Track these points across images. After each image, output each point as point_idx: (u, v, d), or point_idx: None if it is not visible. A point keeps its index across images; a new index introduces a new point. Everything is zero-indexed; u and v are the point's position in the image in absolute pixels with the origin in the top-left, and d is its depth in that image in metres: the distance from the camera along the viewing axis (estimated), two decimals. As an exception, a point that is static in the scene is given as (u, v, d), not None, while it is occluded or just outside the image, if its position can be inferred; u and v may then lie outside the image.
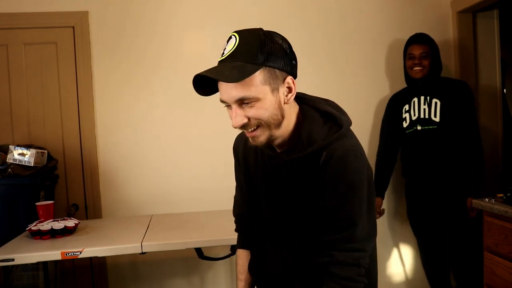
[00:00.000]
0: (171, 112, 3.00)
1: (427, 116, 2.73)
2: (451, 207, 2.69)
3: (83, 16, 2.89)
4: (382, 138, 3.02)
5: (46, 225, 2.21)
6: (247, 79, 1.05)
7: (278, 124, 1.13)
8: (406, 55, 2.83)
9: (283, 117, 1.13)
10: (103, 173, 2.95)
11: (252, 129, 1.12)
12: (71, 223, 2.28)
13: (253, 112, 1.09)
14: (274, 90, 1.09)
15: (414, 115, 2.78)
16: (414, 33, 2.85)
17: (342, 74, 3.14)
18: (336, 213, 1.12)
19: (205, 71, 1.10)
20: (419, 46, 2.76)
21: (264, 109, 1.09)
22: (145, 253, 2.08)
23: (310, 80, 3.00)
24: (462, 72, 3.17)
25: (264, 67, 1.07)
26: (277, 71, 1.09)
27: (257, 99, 1.07)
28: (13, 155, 2.53)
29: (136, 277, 3.01)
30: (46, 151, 2.67)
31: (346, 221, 1.11)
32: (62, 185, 2.92)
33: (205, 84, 1.16)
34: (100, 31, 2.93)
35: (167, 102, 3.00)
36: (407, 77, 2.87)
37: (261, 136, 1.13)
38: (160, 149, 3.00)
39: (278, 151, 1.22)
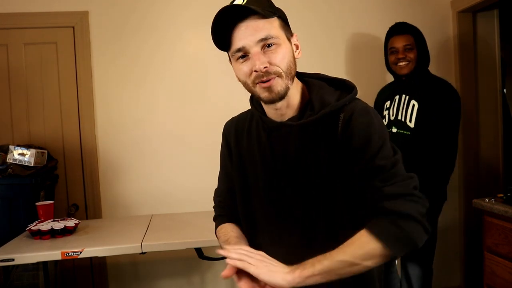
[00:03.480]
0: (171, 112, 3.00)
1: (402, 119, 2.43)
2: None
3: (83, 16, 2.89)
4: None
5: (46, 225, 2.21)
6: (270, 20, 1.09)
7: (292, 78, 1.13)
8: (388, 49, 2.49)
9: (295, 72, 1.15)
10: (103, 173, 2.95)
11: (271, 78, 1.09)
12: (71, 223, 2.28)
13: (274, 57, 1.09)
14: (288, 39, 1.14)
15: (393, 115, 2.51)
16: None
17: (342, 75, 3.13)
18: (374, 161, 1.05)
19: (235, 3, 1.08)
20: (402, 37, 2.41)
21: (284, 55, 1.10)
22: (145, 253, 2.08)
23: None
24: (462, 72, 3.17)
25: (278, 17, 1.12)
26: (286, 25, 1.15)
27: (278, 43, 1.09)
28: (13, 155, 2.53)
29: (136, 277, 3.01)
30: (46, 151, 2.67)
31: (384, 163, 1.05)
32: (62, 185, 2.92)
33: (219, 32, 1.12)
34: (100, 31, 2.92)
35: (167, 102, 3.00)
36: (392, 72, 2.55)
37: (279, 86, 1.10)
38: (160, 149, 3.00)
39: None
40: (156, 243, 2.09)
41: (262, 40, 1.08)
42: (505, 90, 3.33)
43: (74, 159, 2.94)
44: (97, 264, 2.94)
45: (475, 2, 2.96)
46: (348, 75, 3.15)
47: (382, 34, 3.17)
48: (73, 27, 2.90)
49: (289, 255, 1.06)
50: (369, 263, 1.00)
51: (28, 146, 2.59)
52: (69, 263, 2.89)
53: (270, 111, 1.19)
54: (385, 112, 2.57)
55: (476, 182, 3.20)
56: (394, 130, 2.48)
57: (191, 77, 3.01)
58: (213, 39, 1.13)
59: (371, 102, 3.16)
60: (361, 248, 0.99)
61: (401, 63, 2.40)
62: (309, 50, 3.07)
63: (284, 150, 1.16)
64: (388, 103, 2.57)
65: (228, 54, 1.16)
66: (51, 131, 2.92)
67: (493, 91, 3.25)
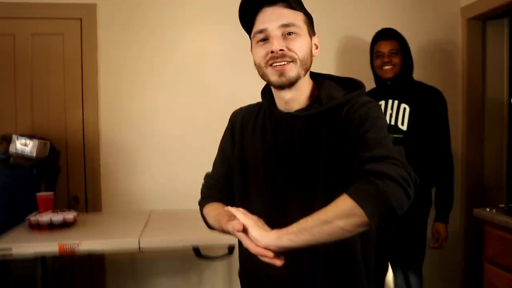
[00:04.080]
0: (174, 110, 3.00)
1: (393, 123, 2.41)
2: (412, 232, 2.37)
3: (91, 8, 2.89)
4: None
5: (45, 217, 2.21)
6: (296, 11, 1.15)
7: (306, 69, 1.18)
8: (373, 53, 2.50)
9: (309, 66, 1.19)
10: (104, 167, 2.95)
11: (285, 62, 1.13)
12: (70, 215, 2.28)
13: (292, 44, 1.13)
14: (310, 35, 1.19)
15: None
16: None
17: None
18: (364, 134, 1.06)
19: None
20: (388, 42, 2.44)
21: (302, 45, 1.15)
22: (142, 250, 2.08)
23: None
24: (469, 79, 3.14)
25: (304, 13, 1.18)
26: (310, 24, 1.21)
27: (299, 32, 1.14)
28: (16, 144, 2.53)
29: (134, 274, 3.01)
30: (48, 142, 2.66)
31: (377, 136, 1.06)
32: (63, 176, 2.91)
33: (246, 13, 1.18)
34: (107, 24, 2.92)
35: (170, 100, 2.99)
36: (375, 76, 2.54)
37: (291, 71, 1.14)
38: (162, 145, 2.99)
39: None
40: (153, 239, 2.09)
41: (284, 25, 1.13)
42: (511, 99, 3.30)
43: (76, 151, 2.94)
44: (96, 260, 2.94)
45: (485, 10, 2.94)
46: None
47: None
48: (81, 19, 2.90)
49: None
50: (342, 223, 0.95)
51: (31, 136, 2.59)
52: (67, 259, 2.88)
53: (279, 102, 1.23)
54: None
55: (479, 192, 3.17)
56: None
57: (195, 73, 3.00)
58: (240, 17, 1.19)
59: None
60: (335, 207, 0.97)
61: (386, 67, 2.42)
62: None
63: (287, 141, 1.19)
64: None
65: (250, 38, 1.21)
66: (55, 122, 2.91)
67: (500, 100, 3.22)
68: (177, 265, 3.03)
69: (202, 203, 1.37)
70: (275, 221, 1.13)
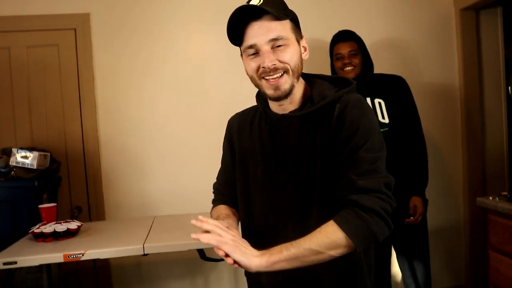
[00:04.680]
0: (173, 113, 3.00)
1: None
2: (400, 210, 2.40)
3: (85, 18, 2.90)
4: None
5: (48, 228, 2.21)
6: (282, 22, 1.16)
7: (298, 77, 1.21)
8: (333, 56, 2.55)
9: (301, 71, 1.22)
10: (105, 175, 2.96)
11: (279, 74, 1.17)
12: (73, 225, 2.28)
13: (283, 55, 1.16)
14: (298, 41, 1.22)
15: None
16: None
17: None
18: (356, 154, 1.11)
19: (251, 3, 1.15)
20: (346, 44, 2.49)
21: (292, 55, 1.18)
22: (147, 254, 2.08)
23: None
24: (466, 70, 3.14)
25: (290, 20, 1.20)
26: (297, 28, 1.23)
27: (288, 44, 1.17)
28: (16, 157, 2.53)
29: (140, 279, 3.01)
30: (48, 154, 2.67)
31: (367, 158, 1.10)
32: (65, 187, 2.92)
33: (234, 28, 1.19)
34: (101, 33, 2.93)
35: (169, 103, 3.00)
36: None
37: (286, 84, 1.18)
38: (162, 151, 3.00)
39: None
40: (158, 244, 2.09)
41: (272, 40, 1.16)
42: (509, 88, 3.31)
43: (77, 161, 2.94)
44: (101, 266, 2.95)
45: (478, -1, 2.94)
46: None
47: (385, 34, 3.13)
48: (75, 29, 2.91)
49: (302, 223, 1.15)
50: (333, 253, 1.06)
51: (30, 149, 2.59)
52: (73, 266, 2.90)
53: (273, 105, 1.27)
54: None
55: (481, 181, 3.18)
56: None
57: (192, 78, 3.01)
58: (228, 34, 1.20)
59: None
60: (327, 238, 1.05)
61: (347, 68, 2.47)
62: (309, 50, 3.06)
63: (284, 141, 1.23)
64: None
65: (240, 49, 1.23)
66: (54, 134, 2.92)
67: (497, 89, 3.23)
68: (183, 268, 3.03)
69: (213, 206, 1.45)
70: (274, 223, 1.19)
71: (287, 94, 1.19)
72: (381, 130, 2.28)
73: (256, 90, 1.32)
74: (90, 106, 2.92)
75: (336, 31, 2.57)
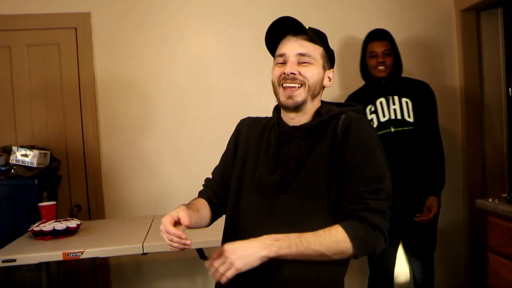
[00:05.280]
0: (174, 113, 3.00)
1: (399, 117, 2.53)
2: (415, 208, 2.50)
3: (85, 17, 2.90)
4: None
5: (48, 226, 2.22)
6: (315, 45, 1.30)
7: (313, 97, 1.31)
8: (367, 53, 2.59)
9: (317, 93, 1.33)
10: (105, 173, 2.96)
11: (296, 85, 1.28)
12: (73, 223, 2.28)
13: (305, 70, 1.28)
14: (324, 68, 1.33)
15: (384, 116, 2.56)
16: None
17: (346, 75, 3.11)
18: (363, 169, 1.20)
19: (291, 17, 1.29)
20: (381, 42, 2.54)
21: (313, 73, 1.29)
22: (146, 253, 2.08)
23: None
24: (466, 71, 3.14)
25: (324, 48, 1.33)
26: (328, 58, 1.35)
27: (313, 62, 1.29)
28: (16, 156, 2.53)
29: (140, 278, 3.01)
30: (48, 152, 2.67)
31: (374, 175, 1.21)
32: (65, 185, 2.92)
33: (272, 36, 1.34)
34: (102, 32, 2.93)
35: (169, 102, 3.00)
36: (367, 75, 2.63)
37: (300, 96, 1.29)
38: (162, 150, 3.00)
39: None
40: (157, 243, 2.08)
41: (300, 54, 1.28)
42: (510, 89, 3.30)
43: (77, 160, 2.95)
44: (100, 265, 2.95)
45: (479, 0, 2.94)
46: (351, 75, 3.12)
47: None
48: (75, 28, 2.91)
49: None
50: (336, 257, 1.18)
51: (31, 147, 2.60)
52: (72, 264, 2.90)
53: (286, 117, 1.36)
54: (371, 116, 2.60)
55: (481, 182, 3.17)
56: (393, 129, 2.54)
57: (193, 78, 3.00)
58: (266, 40, 1.35)
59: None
60: (337, 244, 1.16)
61: (380, 67, 2.53)
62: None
63: (288, 148, 1.30)
64: (370, 107, 2.60)
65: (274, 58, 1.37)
66: (54, 132, 2.92)
67: (497, 90, 3.23)
68: (182, 267, 3.03)
69: (197, 196, 1.52)
70: (263, 222, 1.23)
71: (298, 106, 1.29)
72: (405, 128, 2.52)
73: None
74: (91, 104, 2.92)
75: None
